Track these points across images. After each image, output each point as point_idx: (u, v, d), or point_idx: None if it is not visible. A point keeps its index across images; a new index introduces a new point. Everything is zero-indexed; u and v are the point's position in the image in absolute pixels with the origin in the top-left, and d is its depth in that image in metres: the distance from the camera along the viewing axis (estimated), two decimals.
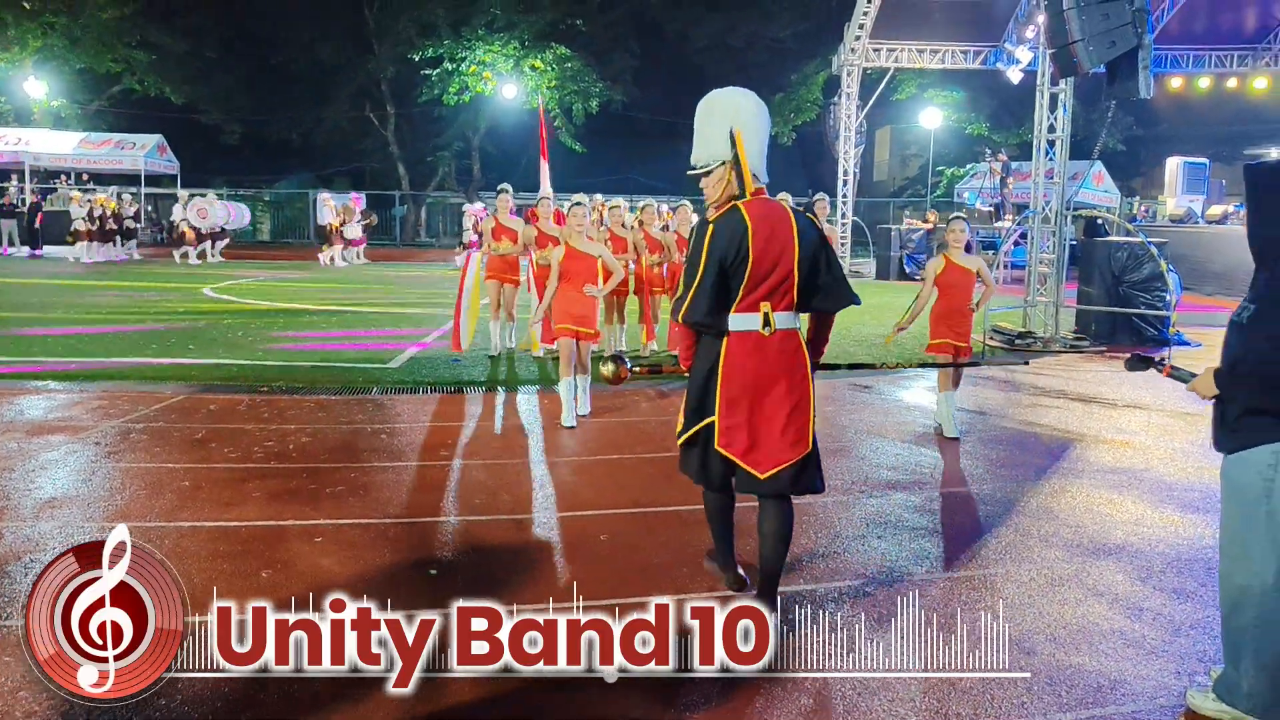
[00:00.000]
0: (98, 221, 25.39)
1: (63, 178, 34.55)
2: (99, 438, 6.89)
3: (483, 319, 11.29)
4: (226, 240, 27.72)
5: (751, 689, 3.49)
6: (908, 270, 23.81)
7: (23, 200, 28.95)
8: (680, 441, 3.89)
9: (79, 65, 34.53)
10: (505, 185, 11.38)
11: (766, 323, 3.70)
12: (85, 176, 34.29)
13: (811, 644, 3.88)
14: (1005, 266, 19.50)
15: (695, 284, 3.66)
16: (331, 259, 25.90)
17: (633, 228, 11.07)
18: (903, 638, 3.95)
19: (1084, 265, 13.99)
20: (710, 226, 3.70)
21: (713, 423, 3.76)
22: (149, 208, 35.22)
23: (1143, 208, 32.24)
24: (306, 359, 10.45)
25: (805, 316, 3.95)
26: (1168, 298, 12.92)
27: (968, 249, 7.67)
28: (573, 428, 7.47)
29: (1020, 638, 3.98)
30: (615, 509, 5.58)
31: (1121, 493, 6.04)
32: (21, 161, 32.35)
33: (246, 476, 6.02)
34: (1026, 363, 5.00)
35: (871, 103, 24.77)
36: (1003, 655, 3.81)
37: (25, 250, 27.13)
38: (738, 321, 3.72)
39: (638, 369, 4.24)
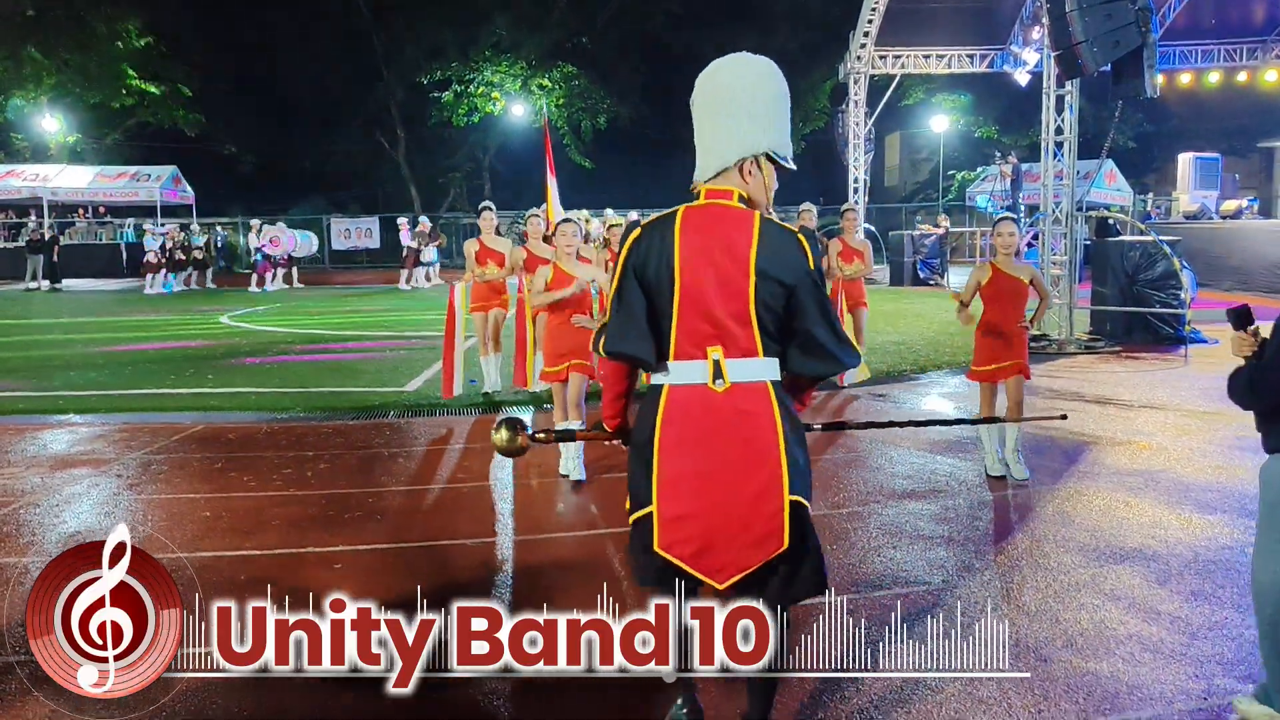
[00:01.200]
0: (167, 254, 26.14)
1: (80, 211, 34.97)
2: (120, 470, 6.98)
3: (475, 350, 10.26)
4: (293, 267, 28.19)
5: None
6: (921, 275, 23.77)
7: (42, 235, 29.30)
8: (630, 522, 2.85)
9: (93, 100, 34.98)
10: (488, 203, 10.14)
11: (717, 374, 2.69)
12: (103, 210, 34.70)
13: (824, 651, 3.89)
14: None
15: (615, 302, 2.74)
16: (412, 280, 26.50)
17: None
18: (918, 646, 3.95)
19: (1097, 265, 13.96)
20: (634, 231, 2.79)
21: (651, 514, 2.75)
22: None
23: (1156, 206, 32.09)
24: (324, 384, 10.54)
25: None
26: (1182, 295, 12.87)
27: (1018, 255, 6.76)
28: (580, 482, 6.46)
29: (1037, 644, 3.98)
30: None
31: (1138, 495, 6.03)
32: (40, 197, 32.77)
33: (266, 504, 6.08)
34: (1064, 417, 4.33)
35: (880, 109, 24.79)
36: (1019, 662, 3.82)
37: (46, 284, 27.46)
38: (678, 372, 2.73)
39: (540, 436, 3.14)
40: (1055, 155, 13.67)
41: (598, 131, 36.30)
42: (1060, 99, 13.52)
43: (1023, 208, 24.66)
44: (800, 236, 2.72)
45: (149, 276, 26.00)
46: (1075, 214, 13.75)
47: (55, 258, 27.90)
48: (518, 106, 36.03)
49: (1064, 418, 4.18)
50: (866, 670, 3.76)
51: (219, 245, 35.35)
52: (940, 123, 38.40)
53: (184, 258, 27.22)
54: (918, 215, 35.60)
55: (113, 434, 8.24)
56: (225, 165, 39.79)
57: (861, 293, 10.47)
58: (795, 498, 2.73)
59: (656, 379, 2.75)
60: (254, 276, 26.58)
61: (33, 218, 32.59)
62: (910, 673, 3.74)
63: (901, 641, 4.02)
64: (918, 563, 4.96)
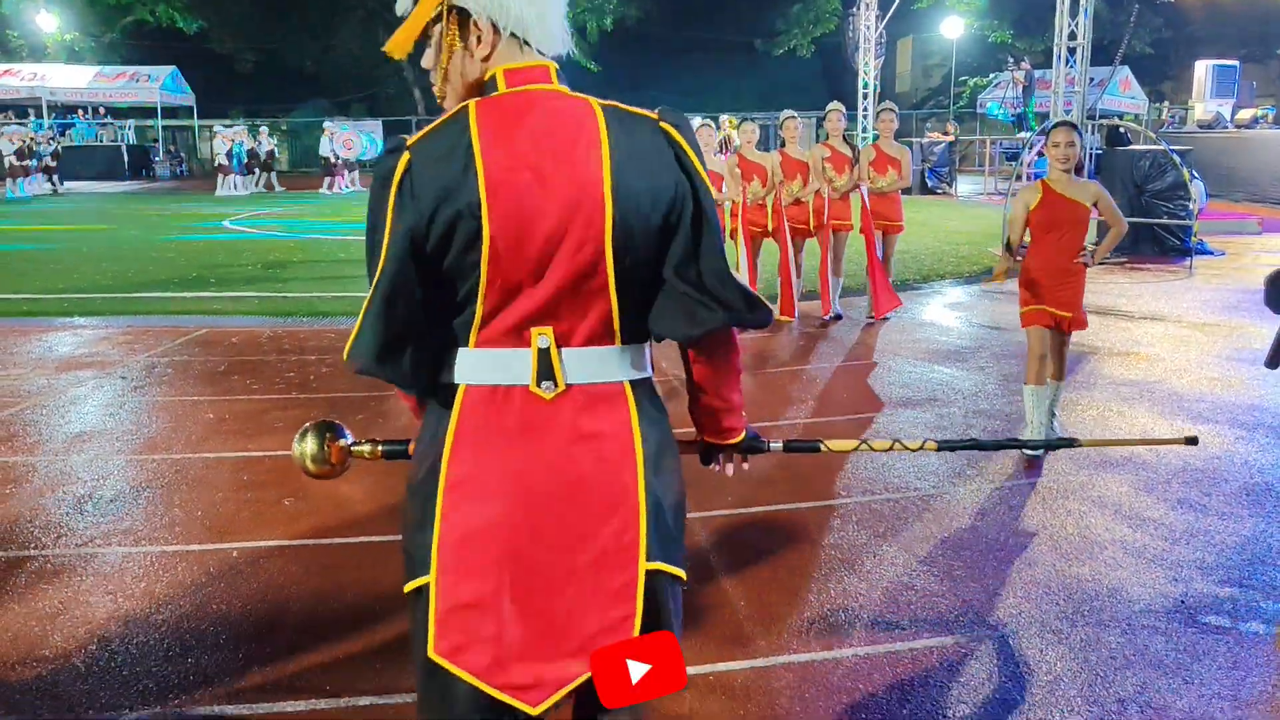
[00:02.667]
0: (233, 157, 26.47)
1: (80, 112, 34.55)
2: (125, 372, 7.05)
3: None
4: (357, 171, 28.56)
5: (767, 609, 3.61)
6: (929, 184, 23.53)
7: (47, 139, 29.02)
8: (406, 592, 1.73)
9: None
10: None
11: (545, 371, 1.67)
12: (102, 110, 34.27)
13: (818, 557, 3.99)
14: (1029, 178, 19.24)
15: (370, 289, 1.65)
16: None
17: None
18: (905, 549, 4.05)
19: (1106, 175, 13.80)
20: (399, 160, 1.64)
21: (427, 588, 1.67)
22: (168, 139, 35.27)
23: (1171, 115, 31.54)
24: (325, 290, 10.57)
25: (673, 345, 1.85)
26: (1191, 206, 12.75)
27: (1080, 172, 5.28)
28: None
29: (1022, 547, 4.07)
30: None
31: (1132, 405, 6.07)
32: (39, 97, 32.36)
33: (269, 408, 6.16)
34: (1075, 444, 2.92)
35: (892, 12, 24.21)
36: (1003, 565, 3.91)
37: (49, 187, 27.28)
38: (480, 366, 1.69)
39: (365, 449, 1.96)
40: (1068, 61, 13.40)
41: (603, 33, 35.54)
42: (1075, 2, 13.20)
43: (1034, 115, 24.27)
44: (667, 125, 1.68)
45: (221, 178, 26.45)
46: (1086, 122, 13.54)
47: (54, 160, 27.66)
48: None
49: (1075, 444, 2.66)
50: (852, 572, 3.86)
51: (173, 148, 35.10)
52: (953, 26, 37.50)
53: (252, 160, 27.61)
54: (928, 122, 35.06)
55: (116, 336, 8.30)
56: (224, 64, 39.15)
57: (897, 212, 8.80)
58: (656, 565, 1.70)
59: (446, 376, 1.70)
60: (326, 179, 27.07)
61: (31, 117, 32.22)
62: (896, 574, 3.84)
63: (889, 545, 4.12)
64: (908, 469, 5.03)
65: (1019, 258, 5.30)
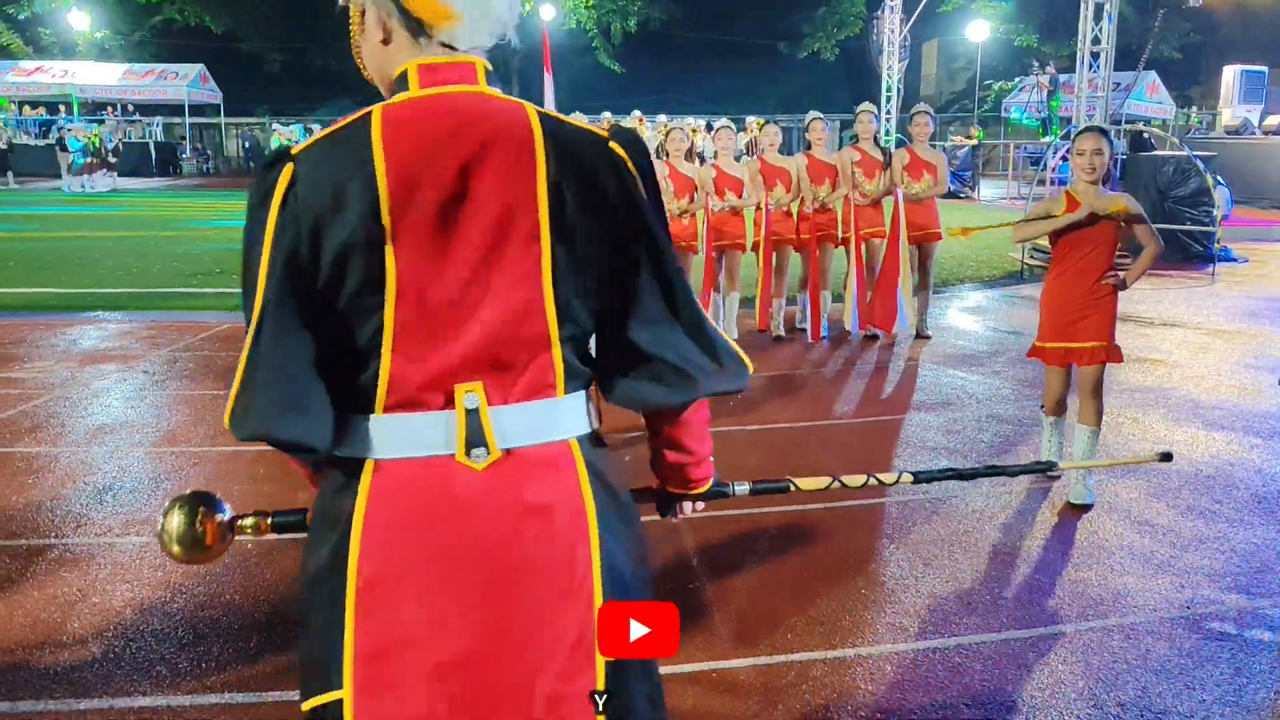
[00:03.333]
0: None
1: (109, 109, 34.93)
2: (147, 367, 7.15)
3: None
4: None
5: (772, 597, 3.64)
6: (952, 187, 23.41)
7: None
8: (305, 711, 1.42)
9: None
10: None
11: (476, 438, 1.37)
12: (130, 108, 34.63)
13: (823, 558, 4.01)
14: (1053, 183, 19.14)
15: (249, 334, 1.34)
16: None
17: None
18: (912, 552, 4.07)
19: (1129, 180, 13.71)
20: (280, 174, 1.33)
21: (337, 707, 1.35)
22: (195, 137, 35.60)
23: (1198, 121, 31.28)
24: None
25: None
26: (1215, 213, 12.66)
27: (1107, 182, 4.58)
28: None
29: (1029, 551, 4.08)
30: None
31: (1147, 411, 6.06)
32: (69, 93, 32.75)
33: None
34: (1053, 468, 2.38)
35: (916, 15, 24.13)
36: (1009, 568, 3.92)
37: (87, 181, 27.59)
38: (395, 435, 1.38)
39: (251, 522, 1.59)
40: (1092, 66, 13.34)
41: (627, 34, 35.61)
42: (1099, 7, 13.15)
43: (1059, 120, 24.14)
44: (618, 146, 1.40)
45: None
46: (1109, 127, 13.47)
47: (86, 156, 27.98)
48: (547, 8, 35.34)
49: (1057, 476, 2.48)
50: (857, 573, 3.88)
51: (246, 146, 35.45)
52: (979, 30, 37.30)
53: None
54: (951, 126, 34.91)
55: (139, 331, 8.42)
56: (251, 64, 39.47)
57: (933, 219, 8.01)
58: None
59: (347, 449, 1.39)
60: None
61: (62, 114, 32.60)
62: (902, 578, 3.86)
63: (895, 547, 4.14)
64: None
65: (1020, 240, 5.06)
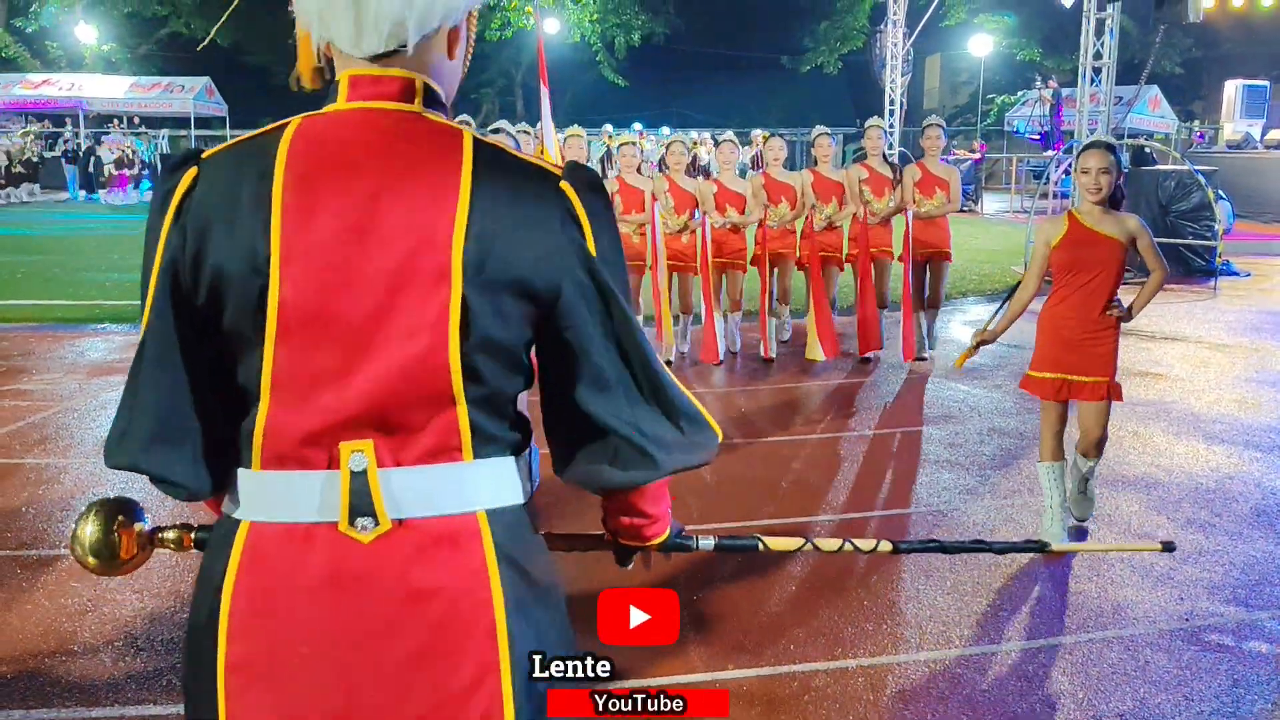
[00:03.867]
0: None
1: (115, 122, 35.10)
2: None
3: None
4: None
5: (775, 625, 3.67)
6: None
7: (78, 145, 29.53)
8: None
9: (127, 9, 34.89)
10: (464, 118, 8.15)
11: (362, 505, 1.18)
12: (136, 120, 34.81)
13: (824, 570, 4.05)
14: (1055, 196, 19.20)
15: (137, 350, 1.26)
16: None
17: (653, 176, 8.08)
18: (914, 566, 4.11)
19: (1131, 195, 13.76)
20: (181, 177, 1.22)
21: None
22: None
23: (1198, 133, 31.35)
24: None
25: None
26: (1216, 227, 12.71)
27: (1114, 203, 4.19)
28: None
29: (1030, 564, 4.11)
30: None
31: (1147, 425, 6.09)
32: (76, 106, 32.93)
33: None
34: (1045, 549, 2.07)
35: (919, 29, 24.23)
36: (1011, 580, 3.96)
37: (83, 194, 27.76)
38: (261, 494, 1.22)
39: (173, 534, 1.43)
40: (1093, 81, 13.42)
41: (631, 48, 35.77)
42: (1100, 22, 13.22)
43: (1061, 134, 24.22)
44: (570, 187, 1.23)
45: None
46: (1116, 142, 13.54)
47: (91, 169, 28.15)
48: (551, 22, 35.52)
49: (1171, 548, 2.40)
50: (858, 584, 3.92)
51: None
52: (982, 45, 37.46)
53: None
54: (954, 139, 35.00)
55: None
56: (256, 76, 39.65)
57: (944, 238, 7.68)
58: None
59: (229, 503, 1.27)
60: None
61: (68, 127, 32.78)
62: (906, 590, 3.90)
63: (898, 563, 4.18)
64: (922, 486, 5.08)
65: (988, 342, 4.66)
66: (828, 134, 8.02)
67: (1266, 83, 26.40)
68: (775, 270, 7.97)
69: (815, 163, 7.95)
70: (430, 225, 1.15)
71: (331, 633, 1.18)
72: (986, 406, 6.60)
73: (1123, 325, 4.21)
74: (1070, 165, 16.66)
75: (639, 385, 1.25)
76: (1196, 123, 34.47)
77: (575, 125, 7.66)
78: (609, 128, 19.14)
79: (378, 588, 1.18)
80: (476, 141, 1.22)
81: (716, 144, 8.33)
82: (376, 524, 1.18)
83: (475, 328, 1.16)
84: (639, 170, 7.75)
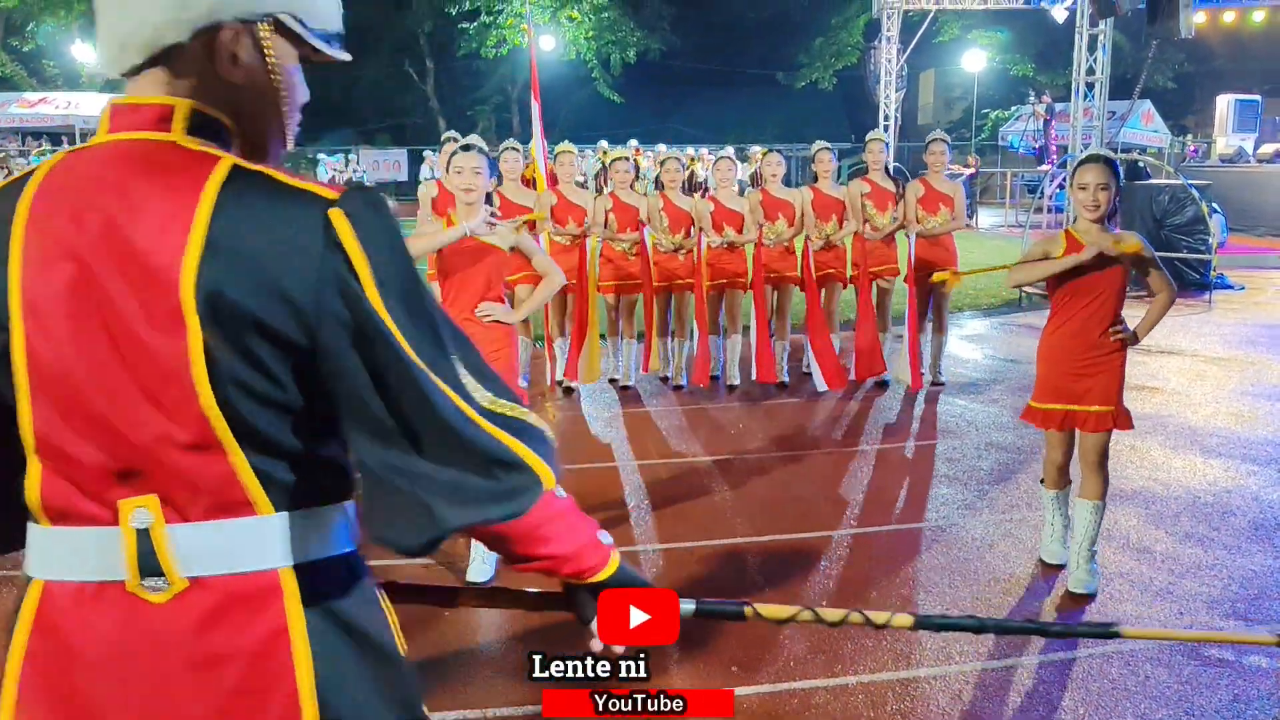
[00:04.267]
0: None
1: None
2: None
3: None
4: None
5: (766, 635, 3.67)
6: None
7: None
8: None
9: None
10: (452, 133, 7.87)
11: (148, 561, 1.10)
12: None
13: (825, 586, 4.05)
14: (1049, 210, 19.27)
15: None
16: None
17: (647, 194, 7.71)
18: (915, 578, 4.11)
19: (1125, 209, 13.79)
20: None
21: None
22: None
23: (1192, 147, 31.52)
24: None
25: None
26: (1210, 241, 12.77)
27: (1113, 218, 3.93)
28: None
29: (1029, 579, 4.12)
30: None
31: (1144, 439, 6.10)
32: (73, 125, 33.01)
33: None
34: (1117, 635, 1.79)
35: (913, 45, 24.38)
36: (1010, 595, 3.96)
37: None
38: (49, 551, 1.16)
39: None
40: (1086, 95, 13.50)
41: (627, 65, 35.93)
42: (1093, 38, 13.33)
43: (1055, 148, 24.35)
44: (336, 213, 1.11)
45: None
46: (1115, 156, 13.62)
47: None
48: (547, 39, 35.68)
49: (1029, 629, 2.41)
50: (861, 601, 3.91)
51: None
52: (975, 60, 37.64)
53: None
54: (949, 155, 35.13)
55: None
56: None
57: (949, 257, 7.31)
58: None
59: (25, 561, 1.19)
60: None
61: (65, 145, 32.89)
62: (903, 604, 3.90)
63: (896, 575, 4.18)
64: (920, 501, 5.09)
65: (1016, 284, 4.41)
66: (829, 149, 7.63)
67: (1258, 97, 26.55)
68: (775, 292, 7.54)
69: (815, 179, 7.48)
70: (163, 266, 1.06)
71: (123, 701, 1.11)
72: (984, 421, 6.61)
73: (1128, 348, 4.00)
74: (1065, 179, 16.73)
75: (421, 432, 1.10)
76: (1189, 137, 34.64)
77: (565, 141, 7.37)
78: (604, 144, 19.08)
79: (171, 652, 1.10)
80: (235, 169, 1.11)
81: (715, 160, 7.99)
82: (167, 584, 1.10)
83: (223, 374, 1.07)
84: (632, 186, 7.43)
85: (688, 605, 1.47)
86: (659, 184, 7.49)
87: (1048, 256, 3.99)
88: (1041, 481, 4.29)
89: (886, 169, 7.63)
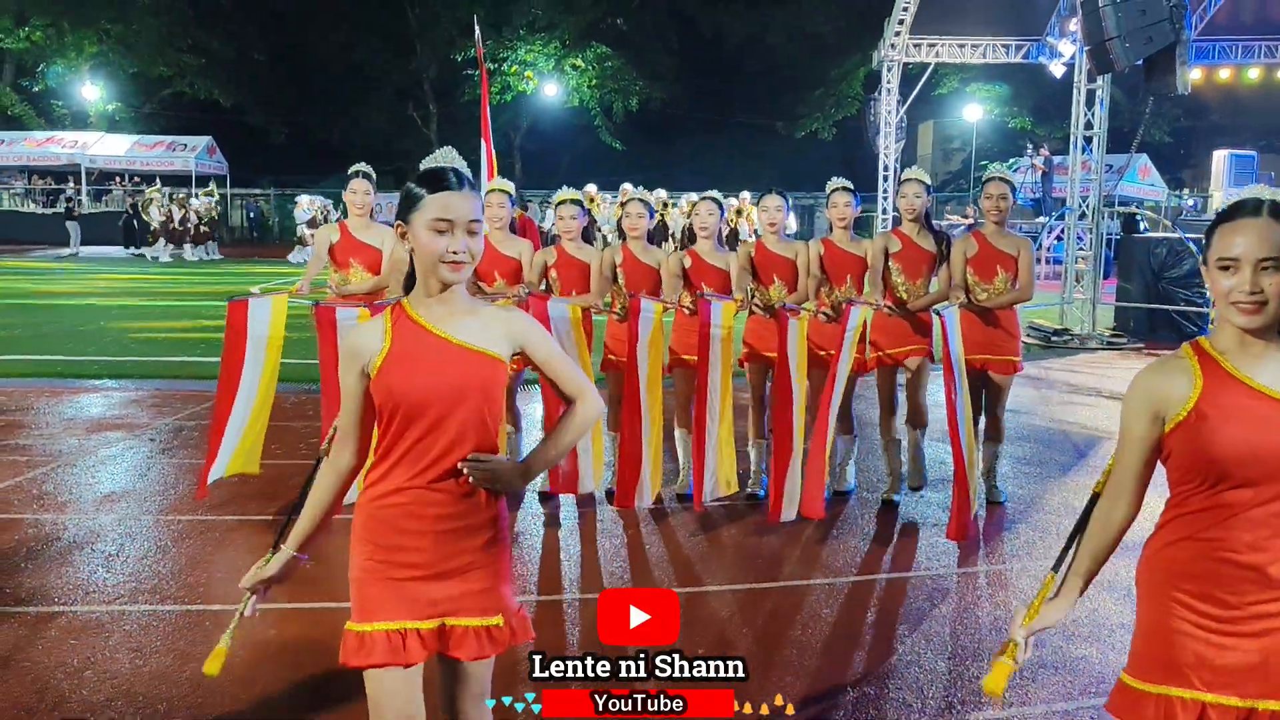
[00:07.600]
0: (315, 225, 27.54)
1: (117, 179, 35.46)
2: (153, 435, 7.22)
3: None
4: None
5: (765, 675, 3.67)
6: None
7: (79, 202, 29.80)
8: None
9: (132, 70, 35.46)
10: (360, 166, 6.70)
11: None
12: (138, 178, 35.17)
13: (825, 631, 4.04)
14: (1047, 262, 19.42)
15: None
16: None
17: (606, 242, 6.42)
18: (913, 630, 4.11)
19: (1123, 261, 13.96)
20: None
21: None
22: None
23: (1191, 200, 31.81)
24: None
25: None
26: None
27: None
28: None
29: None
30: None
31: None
32: (79, 164, 33.27)
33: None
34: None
35: (913, 98, 24.68)
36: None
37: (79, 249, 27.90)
38: None
39: None
40: (1084, 149, 13.67)
41: (629, 113, 36.36)
42: (1091, 93, 13.51)
43: (1053, 201, 24.58)
44: None
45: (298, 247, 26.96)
46: (1102, 209, 13.75)
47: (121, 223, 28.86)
48: (550, 87, 36.14)
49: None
50: (860, 649, 3.91)
51: (250, 216, 35.98)
52: (974, 112, 38.11)
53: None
54: (948, 205, 35.42)
55: (145, 400, 8.49)
56: (256, 136, 40.17)
57: (1010, 340, 5.62)
58: None
59: None
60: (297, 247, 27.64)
61: (70, 184, 33.07)
62: (904, 655, 3.89)
63: (897, 626, 4.18)
64: (918, 550, 5.09)
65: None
66: (848, 188, 5.71)
67: (1254, 152, 26.86)
68: (768, 374, 5.59)
69: (830, 229, 5.75)
70: None
71: None
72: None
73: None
74: (1062, 231, 16.76)
75: None
76: (1185, 190, 34.97)
77: (565, 188, 5.84)
78: (591, 187, 18.63)
79: None
80: None
81: (696, 203, 6.00)
82: None
83: None
84: (586, 237, 5.96)
85: None
86: (617, 233, 6.07)
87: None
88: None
89: (926, 218, 5.73)
